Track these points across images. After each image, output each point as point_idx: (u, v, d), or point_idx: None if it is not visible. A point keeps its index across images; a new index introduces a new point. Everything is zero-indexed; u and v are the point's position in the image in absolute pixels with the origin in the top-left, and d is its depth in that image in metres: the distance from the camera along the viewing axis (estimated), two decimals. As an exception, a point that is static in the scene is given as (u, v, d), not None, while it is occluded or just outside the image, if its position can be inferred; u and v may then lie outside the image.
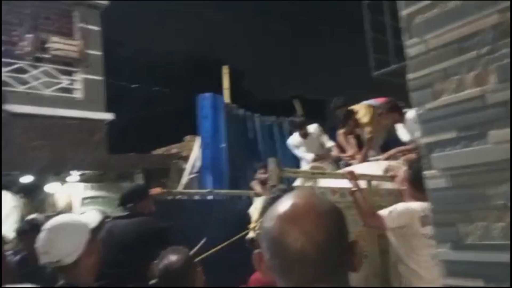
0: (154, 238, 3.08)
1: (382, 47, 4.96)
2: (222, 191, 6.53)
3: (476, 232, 1.57)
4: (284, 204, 0.92)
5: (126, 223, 3.30)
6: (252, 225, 3.49)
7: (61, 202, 8.86)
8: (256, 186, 5.98)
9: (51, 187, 8.97)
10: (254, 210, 3.65)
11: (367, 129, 5.59)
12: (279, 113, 9.63)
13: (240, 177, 8.26)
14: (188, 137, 9.27)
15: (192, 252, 2.45)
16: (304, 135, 6.16)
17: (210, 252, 3.39)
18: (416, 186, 2.98)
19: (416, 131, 4.75)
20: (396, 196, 3.33)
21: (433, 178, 1.70)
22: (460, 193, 1.61)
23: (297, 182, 4.61)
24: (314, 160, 5.91)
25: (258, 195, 4.84)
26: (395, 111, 5.00)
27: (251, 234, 3.45)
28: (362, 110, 5.67)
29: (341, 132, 5.92)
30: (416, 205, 2.91)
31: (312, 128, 6.32)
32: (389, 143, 5.76)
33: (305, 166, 5.86)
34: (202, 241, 2.68)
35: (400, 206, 2.94)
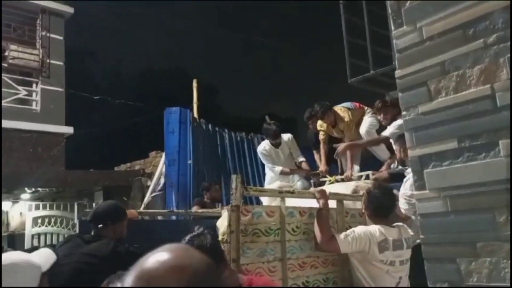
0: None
1: (360, 54, 4.69)
2: (181, 211, 6.06)
3: (482, 270, 1.23)
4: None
5: (84, 252, 2.76)
6: (220, 238, 3.28)
7: (13, 221, 8.19)
8: (195, 208, 5.53)
9: (3, 205, 8.30)
10: (222, 223, 3.50)
11: (349, 129, 5.22)
12: (251, 130, 9.34)
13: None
14: (153, 153, 8.82)
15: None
16: (277, 144, 5.79)
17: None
18: (374, 210, 2.82)
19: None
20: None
21: (426, 200, 1.36)
22: (462, 220, 1.27)
23: (264, 201, 4.24)
24: (282, 172, 5.55)
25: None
26: (397, 107, 4.68)
27: None
28: (341, 112, 5.32)
29: (321, 127, 5.55)
30: (374, 229, 2.72)
31: (286, 137, 5.95)
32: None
33: (272, 183, 5.49)
34: None
35: (358, 230, 2.71)
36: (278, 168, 5.54)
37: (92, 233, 2.91)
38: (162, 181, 7.76)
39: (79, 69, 9.94)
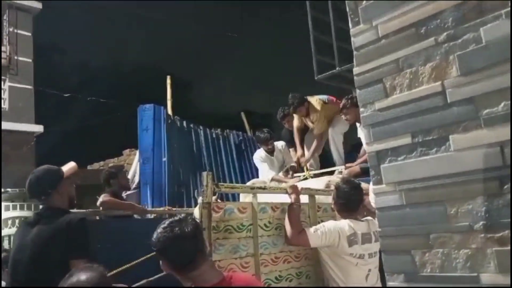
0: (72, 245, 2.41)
1: (327, 51, 4.73)
2: (159, 209, 6.01)
3: (435, 261, 1.27)
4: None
5: (36, 235, 2.50)
6: None
7: (-19, 223, 7.95)
8: (106, 198, 5.07)
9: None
10: (196, 212, 3.56)
11: (318, 123, 5.29)
12: (226, 126, 9.32)
13: (183, 193, 7.80)
14: (127, 151, 8.70)
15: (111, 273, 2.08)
16: (271, 151, 5.83)
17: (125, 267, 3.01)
18: (343, 205, 2.91)
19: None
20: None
21: (383, 194, 1.40)
22: (416, 212, 1.31)
23: (241, 198, 4.26)
24: (273, 179, 5.57)
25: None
26: (358, 107, 4.72)
27: None
28: (316, 103, 5.37)
29: (295, 120, 5.61)
30: (343, 223, 2.80)
31: (280, 145, 6.02)
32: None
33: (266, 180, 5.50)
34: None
35: (327, 224, 2.79)
36: (270, 174, 5.53)
37: (41, 207, 2.72)
38: (136, 179, 7.66)
39: (48, 66, 9.69)
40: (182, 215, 1.89)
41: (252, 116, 10.46)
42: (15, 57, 8.92)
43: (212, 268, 1.84)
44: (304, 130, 5.80)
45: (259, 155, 5.95)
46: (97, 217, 4.68)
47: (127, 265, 3.09)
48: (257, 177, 7.26)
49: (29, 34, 9.41)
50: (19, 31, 9.31)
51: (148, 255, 3.20)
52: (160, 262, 1.80)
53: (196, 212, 3.91)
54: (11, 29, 9.31)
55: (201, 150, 8.64)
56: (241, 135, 9.66)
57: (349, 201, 2.88)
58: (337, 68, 4.58)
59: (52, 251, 2.40)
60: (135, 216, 5.47)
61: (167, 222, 1.82)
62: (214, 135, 9.09)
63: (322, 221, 3.03)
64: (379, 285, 2.86)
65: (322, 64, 4.60)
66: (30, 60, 9.16)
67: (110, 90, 13.50)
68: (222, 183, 2.75)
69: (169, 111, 8.24)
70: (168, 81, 8.59)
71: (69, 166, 2.82)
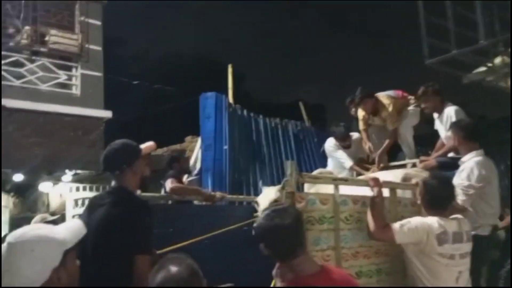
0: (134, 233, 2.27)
1: (437, 34, 4.44)
2: (228, 196, 6.03)
3: None
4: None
5: (101, 220, 2.34)
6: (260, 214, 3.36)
7: (54, 202, 8.47)
8: (170, 182, 4.82)
9: (44, 187, 8.59)
10: (263, 198, 3.62)
11: (391, 119, 5.07)
12: (282, 116, 9.26)
13: (242, 180, 7.88)
14: (189, 138, 8.89)
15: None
16: (347, 146, 5.57)
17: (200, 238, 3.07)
18: (431, 201, 2.75)
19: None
20: (420, 207, 2.99)
21: None
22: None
23: (305, 188, 4.19)
24: (351, 168, 5.34)
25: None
26: (439, 95, 4.53)
27: None
28: (385, 100, 5.16)
29: (360, 115, 5.42)
30: (432, 220, 2.63)
31: (355, 136, 5.74)
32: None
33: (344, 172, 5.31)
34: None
35: (414, 220, 2.64)
36: (348, 163, 5.33)
37: (112, 184, 2.59)
38: (198, 165, 7.82)
39: (110, 55, 10.04)
40: (284, 205, 1.89)
41: (306, 105, 10.33)
42: (86, 45, 9.31)
43: (310, 258, 1.86)
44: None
45: (332, 143, 5.68)
46: (169, 202, 4.80)
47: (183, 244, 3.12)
48: (320, 167, 7.14)
49: (99, 23, 9.80)
50: (90, 20, 9.70)
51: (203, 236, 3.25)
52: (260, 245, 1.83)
53: (260, 200, 3.93)
54: (82, 18, 9.72)
55: (260, 139, 8.68)
56: (299, 125, 9.59)
57: (439, 197, 2.74)
58: (453, 51, 4.31)
59: (114, 242, 2.28)
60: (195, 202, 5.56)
61: (270, 210, 1.85)
62: (273, 125, 9.08)
63: (403, 216, 2.93)
64: None
65: (432, 48, 4.33)
66: (100, 48, 9.54)
67: (170, 79, 13.83)
68: (305, 173, 2.72)
69: (230, 100, 8.31)
70: (230, 70, 8.65)
71: (147, 145, 2.76)
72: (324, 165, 6.66)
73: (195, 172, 8.07)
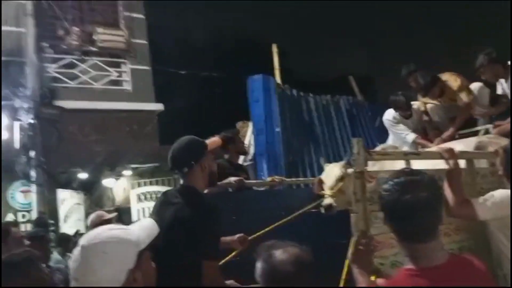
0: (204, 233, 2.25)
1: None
2: (288, 179, 5.87)
3: None
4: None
5: (173, 218, 2.32)
6: (327, 192, 3.41)
7: (118, 196, 8.81)
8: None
9: (107, 182, 8.94)
10: (328, 176, 3.52)
11: (462, 94, 4.69)
12: (328, 92, 8.97)
13: (297, 162, 7.75)
14: (240, 123, 8.83)
15: None
16: (409, 115, 5.29)
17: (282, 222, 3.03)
18: None
19: None
20: (500, 177, 2.75)
21: None
22: None
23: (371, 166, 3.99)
24: (415, 142, 5.07)
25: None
26: (497, 62, 4.23)
27: (328, 201, 3.32)
28: (450, 77, 4.81)
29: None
30: None
31: (416, 105, 5.45)
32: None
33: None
34: None
35: (498, 194, 2.41)
36: (411, 136, 5.08)
37: (181, 182, 2.55)
38: (251, 151, 7.79)
39: (155, 46, 10.11)
40: (420, 175, 1.58)
41: (355, 78, 9.95)
42: (133, 40, 9.46)
43: (442, 246, 1.57)
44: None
45: (391, 116, 5.41)
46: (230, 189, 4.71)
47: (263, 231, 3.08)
48: (377, 142, 6.85)
49: (143, 16, 9.91)
50: (133, 15, 9.83)
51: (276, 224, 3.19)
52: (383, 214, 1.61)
53: (325, 178, 3.76)
54: (126, 13, 9.87)
55: (312, 118, 8.48)
56: (351, 100, 9.28)
57: None
58: None
59: (184, 246, 2.26)
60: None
61: (401, 178, 1.56)
62: (324, 102, 8.83)
63: (482, 188, 2.70)
64: None
65: None
66: (146, 42, 9.67)
67: (216, 64, 13.79)
68: (373, 150, 2.57)
69: (278, 80, 8.15)
70: (275, 49, 8.46)
71: (212, 140, 2.75)
72: (381, 139, 6.39)
73: (249, 157, 8.03)
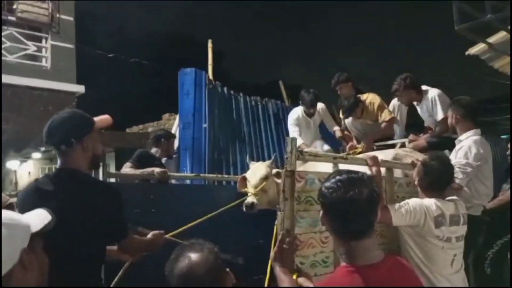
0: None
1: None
2: (209, 175, 5.86)
3: None
4: None
5: (69, 207, 1.90)
6: (251, 190, 3.51)
7: (22, 180, 8.07)
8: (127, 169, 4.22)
9: (12, 164, 8.17)
10: (253, 175, 3.62)
11: (385, 112, 4.97)
12: (259, 95, 9.07)
13: (222, 160, 7.67)
14: (166, 115, 8.58)
15: None
16: (310, 114, 5.54)
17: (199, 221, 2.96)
18: (431, 183, 2.64)
19: (438, 113, 4.31)
20: (415, 187, 2.89)
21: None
22: None
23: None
24: (299, 147, 5.27)
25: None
26: (412, 88, 4.50)
27: (250, 199, 3.42)
28: (369, 96, 5.12)
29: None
30: (430, 202, 2.53)
31: (319, 106, 5.69)
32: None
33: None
34: None
35: (412, 202, 2.53)
36: (299, 142, 5.27)
37: (58, 163, 2.09)
38: (176, 144, 7.57)
39: (85, 28, 9.53)
40: (359, 173, 1.57)
41: (287, 86, 10.19)
42: (57, 15, 8.79)
43: (376, 245, 1.58)
44: None
45: (295, 116, 5.64)
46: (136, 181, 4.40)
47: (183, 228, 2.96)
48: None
49: (71, -8, 9.25)
50: (60, -12, 9.16)
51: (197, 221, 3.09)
52: (320, 213, 1.58)
53: (249, 176, 3.73)
54: (52, -14, 9.16)
55: (240, 118, 8.45)
56: (279, 104, 9.42)
57: (438, 179, 2.63)
58: (488, 15, 4.16)
59: (92, 233, 1.97)
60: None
61: (343, 175, 1.54)
62: (253, 103, 8.85)
63: (398, 197, 2.81)
64: (463, 272, 2.64)
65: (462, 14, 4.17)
66: (72, 19, 9.03)
67: (147, 55, 13.34)
68: (306, 151, 2.53)
69: (210, 76, 8.03)
70: (210, 45, 8.33)
71: (101, 118, 2.38)
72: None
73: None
